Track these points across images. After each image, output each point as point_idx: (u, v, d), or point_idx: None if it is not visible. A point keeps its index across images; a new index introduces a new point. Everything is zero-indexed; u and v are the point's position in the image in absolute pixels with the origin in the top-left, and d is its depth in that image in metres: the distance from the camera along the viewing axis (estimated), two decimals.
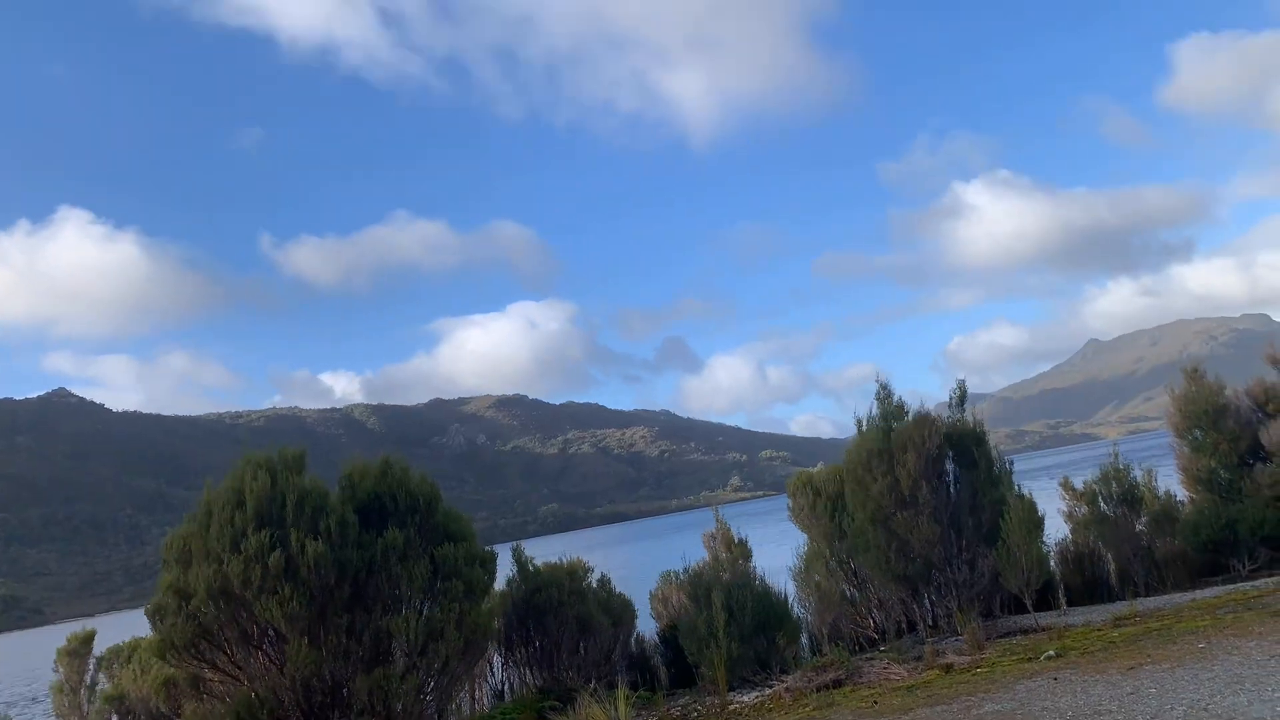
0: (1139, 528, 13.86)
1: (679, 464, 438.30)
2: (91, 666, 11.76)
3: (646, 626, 13.01)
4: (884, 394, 11.82)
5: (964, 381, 12.46)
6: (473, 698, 11.52)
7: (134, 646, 11.88)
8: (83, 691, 11.44)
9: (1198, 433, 13.55)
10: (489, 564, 9.98)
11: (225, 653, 8.97)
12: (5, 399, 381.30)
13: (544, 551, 13.58)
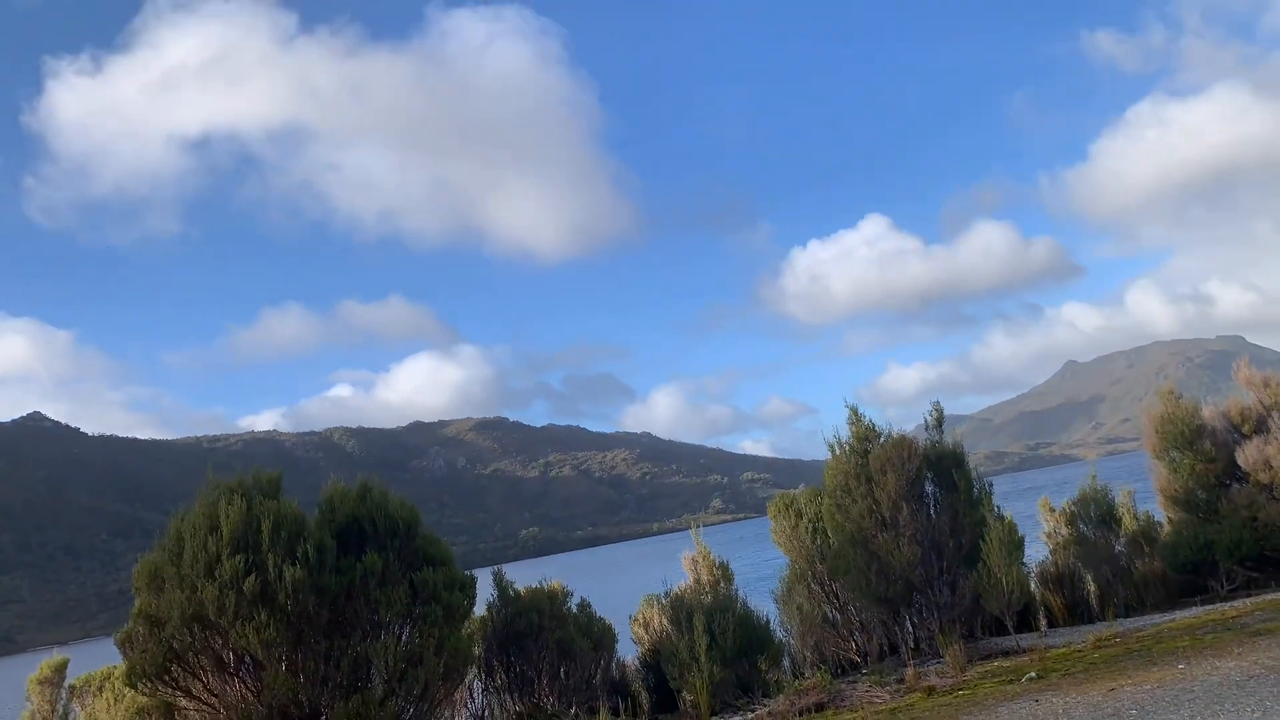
0: (1118, 548, 13.93)
1: (660, 486, 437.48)
2: (64, 695, 11.55)
3: (627, 651, 12.92)
4: (855, 417, 11.84)
5: (939, 404, 12.52)
6: None
7: (107, 675, 11.69)
8: None
9: (1174, 454, 13.64)
10: (468, 588, 9.91)
11: (200, 680, 8.84)
12: None
13: (524, 575, 13.50)
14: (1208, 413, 13.92)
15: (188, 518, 8.92)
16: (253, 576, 8.36)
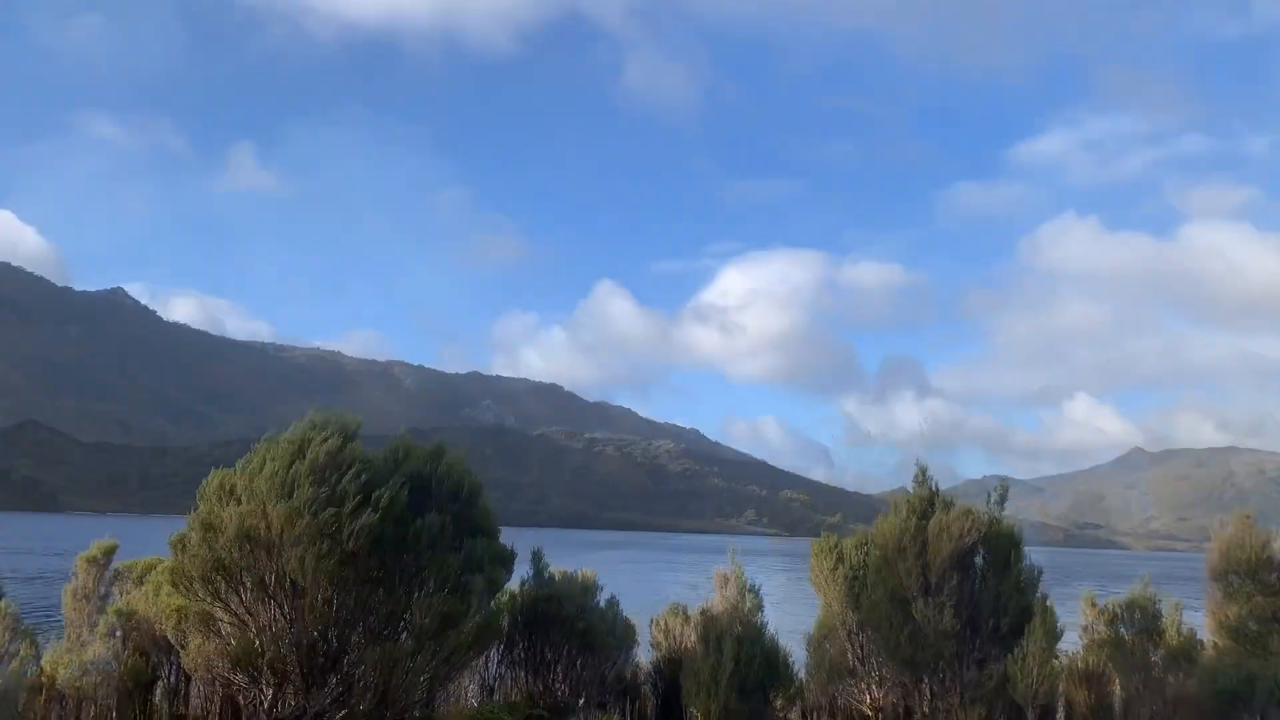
0: (1154, 659, 13.61)
1: (699, 485, 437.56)
2: (108, 577, 11.96)
3: (643, 652, 12.99)
4: (921, 477, 11.74)
5: (1006, 481, 12.35)
6: (464, 689, 11.61)
7: (150, 566, 11.97)
8: (94, 601, 11.66)
9: (1235, 579, 13.27)
10: (509, 563, 10.09)
11: (238, 595, 9.12)
12: (65, 287, 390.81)
13: (550, 544, 13.58)
14: (1279, 544, 13.51)
15: (274, 441, 9.20)
16: (330, 510, 8.59)
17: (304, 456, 8.81)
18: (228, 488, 9.03)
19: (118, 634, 10.83)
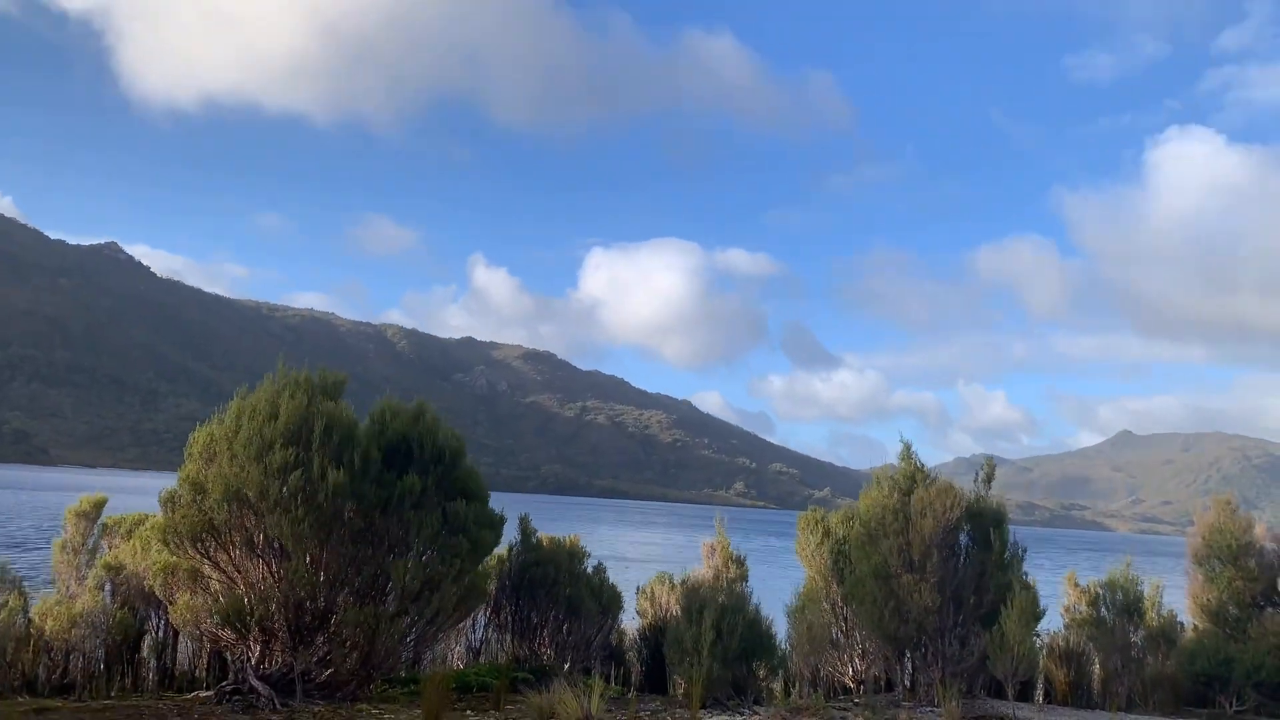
0: (1134, 639, 13.75)
1: (688, 456, 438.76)
2: (96, 531, 11.96)
3: (628, 619, 13.09)
4: (906, 454, 11.78)
5: (992, 459, 12.42)
6: (451, 650, 11.70)
7: (138, 521, 11.96)
8: (83, 554, 11.68)
9: (1216, 564, 13.40)
10: (497, 527, 10.11)
11: (227, 553, 9.16)
12: (58, 240, 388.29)
13: (540, 511, 13.56)
14: (1260, 530, 13.63)
15: (249, 399, 9.19)
16: (298, 472, 8.62)
17: (277, 418, 8.80)
18: (212, 448, 9.03)
19: (106, 588, 10.85)
